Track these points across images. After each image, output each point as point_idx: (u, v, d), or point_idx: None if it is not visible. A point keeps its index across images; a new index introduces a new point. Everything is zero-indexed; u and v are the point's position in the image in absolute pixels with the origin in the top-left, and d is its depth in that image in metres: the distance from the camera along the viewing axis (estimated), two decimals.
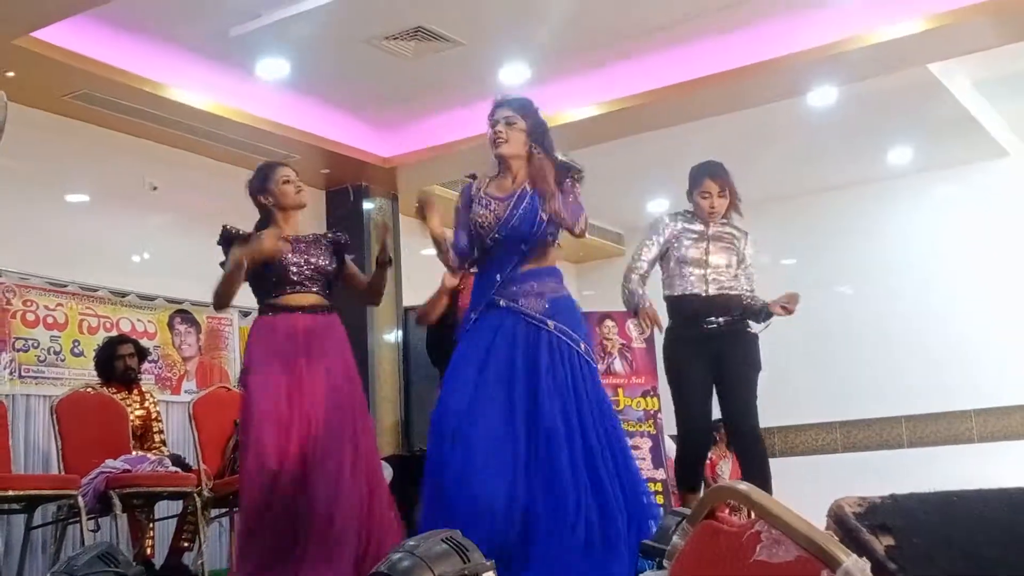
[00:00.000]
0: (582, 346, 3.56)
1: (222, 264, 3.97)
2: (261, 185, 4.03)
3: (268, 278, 3.90)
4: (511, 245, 3.60)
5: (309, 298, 3.92)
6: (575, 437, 3.41)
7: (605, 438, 3.49)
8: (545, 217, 3.53)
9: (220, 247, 3.98)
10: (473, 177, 3.83)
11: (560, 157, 3.70)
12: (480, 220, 3.62)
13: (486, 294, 3.59)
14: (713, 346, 4.61)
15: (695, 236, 4.73)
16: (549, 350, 3.49)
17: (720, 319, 4.60)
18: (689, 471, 4.78)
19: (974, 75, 7.57)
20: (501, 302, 3.55)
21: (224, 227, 3.99)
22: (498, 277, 3.59)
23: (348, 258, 4.14)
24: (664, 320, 4.68)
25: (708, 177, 4.71)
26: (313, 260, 3.95)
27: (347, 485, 3.70)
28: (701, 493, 4.59)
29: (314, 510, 3.64)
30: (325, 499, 3.66)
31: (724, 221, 4.78)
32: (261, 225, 4.01)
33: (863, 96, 7.20)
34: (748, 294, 4.71)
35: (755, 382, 4.64)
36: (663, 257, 4.75)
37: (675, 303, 4.72)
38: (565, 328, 3.54)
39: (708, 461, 8.41)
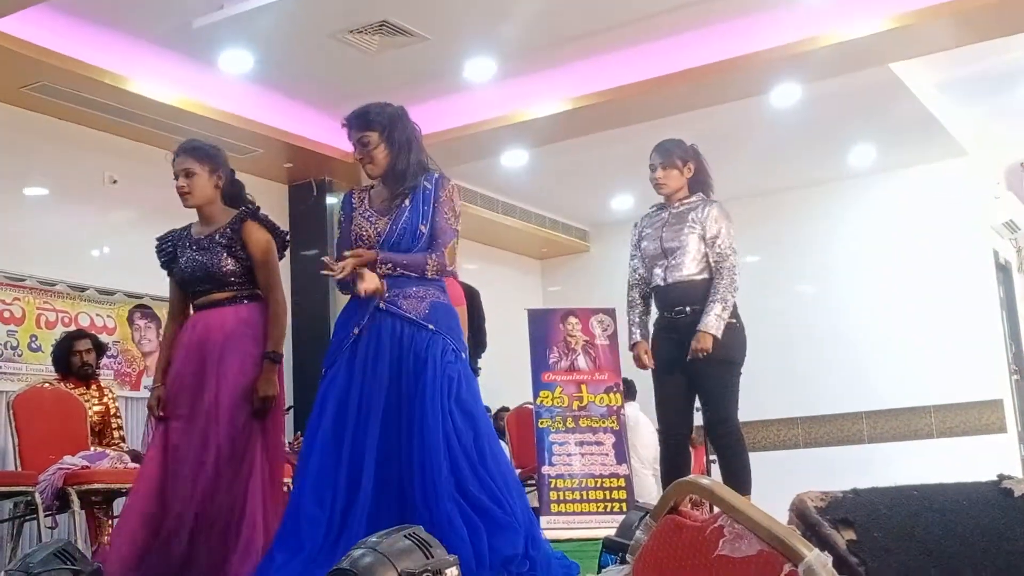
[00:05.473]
0: (464, 356, 3.55)
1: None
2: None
3: None
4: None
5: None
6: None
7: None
8: (425, 231, 3.52)
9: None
10: (358, 189, 3.75)
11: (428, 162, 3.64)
12: (362, 233, 3.59)
13: (367, 305, 3.53)
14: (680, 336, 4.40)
15: (654, 224, 4.55)
16: (430, 349, 3.45)
17: (686, 308, 4.38)
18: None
19: (935, 75, 7.65)
20: (381, 304, 3.51)
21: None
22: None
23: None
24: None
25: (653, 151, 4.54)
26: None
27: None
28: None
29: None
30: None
31: (682, 198, 4.48)
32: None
33: (826, 95, 7.26)
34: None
35: (726, 376, 4.41)
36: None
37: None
38: (443, 332, 3.50)
39: None
